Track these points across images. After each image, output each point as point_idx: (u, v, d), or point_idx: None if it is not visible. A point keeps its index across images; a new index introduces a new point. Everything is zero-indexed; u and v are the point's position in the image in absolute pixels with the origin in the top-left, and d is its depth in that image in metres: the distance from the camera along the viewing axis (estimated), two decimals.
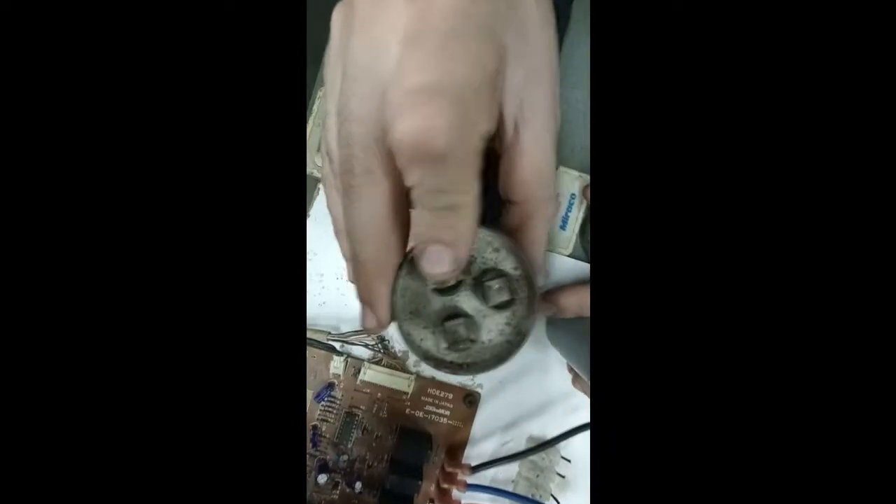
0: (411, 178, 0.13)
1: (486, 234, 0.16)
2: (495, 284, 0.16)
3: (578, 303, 0.21)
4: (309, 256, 0.24)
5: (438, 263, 0.14)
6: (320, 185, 0.24)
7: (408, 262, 0.16)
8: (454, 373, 0.16)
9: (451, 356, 0.16)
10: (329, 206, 0.17)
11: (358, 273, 0.15)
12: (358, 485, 0.23)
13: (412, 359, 0.24)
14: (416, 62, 0.12)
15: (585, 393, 0.24)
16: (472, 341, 0.16)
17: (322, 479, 0.23)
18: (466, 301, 0.16)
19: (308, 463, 0.24)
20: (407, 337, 0.16)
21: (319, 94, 0.22)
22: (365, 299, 0.16)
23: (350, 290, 0.24)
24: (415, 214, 0.14)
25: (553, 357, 0.24)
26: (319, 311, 0.24)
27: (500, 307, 0.16)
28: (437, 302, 0.16)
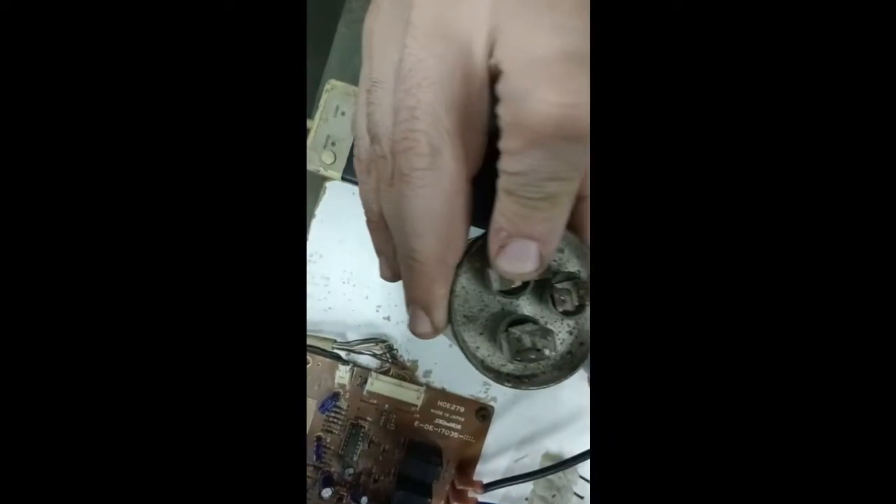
0: (525, 163, 0.11)
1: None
2: (565, 288, 0.14)
3: None
4: (314, 259, 0.23)
5: (523, 261, 0.12)
6: (327, 185, 0.23)
7: (469, 258, 0.14)
8: (515, 386, 0.15)
9: (511, 367, 0.15)
10: (363, 195, 0.15)
11: (413, 271, 0.13)
12: (364, 500, 0.22)
13: (421, 370, 0.23)
14: (550, 23, 0.10)
15: None
16: (540, 350, 0.14)
17: (327, 492, 0.22)
18: (527, 306, 0.15)
19: (312, 475, 0.23)
20: (462, 344, 0.15)
21: (328, 87, 0.21)
22: (420, 301, 0.14)
23: (356, 295, 0.23)
24: (501, 204, 0.12)
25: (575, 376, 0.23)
26: (324, 316, 0.23)
27: (568, 314, 0.14)
28: (496, 305, 0.15)
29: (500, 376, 0.15)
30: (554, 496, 0.23)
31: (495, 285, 0.14)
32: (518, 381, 0.15)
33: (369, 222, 0.16)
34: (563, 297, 0.14)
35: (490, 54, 0.11)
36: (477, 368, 0.15)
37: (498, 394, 0.23)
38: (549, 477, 0.23)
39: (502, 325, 0.14)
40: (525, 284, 0.14)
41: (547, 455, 0.23)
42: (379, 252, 0.16)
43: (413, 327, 0.15)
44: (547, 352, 0.14)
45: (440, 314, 0.14)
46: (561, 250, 0.14)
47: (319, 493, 0.22)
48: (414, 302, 0.14)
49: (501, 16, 0.11)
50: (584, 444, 0.22)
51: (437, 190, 0.12)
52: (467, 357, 0.14)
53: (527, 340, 0.14)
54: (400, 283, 0.15)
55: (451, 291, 0.14)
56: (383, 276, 0.16)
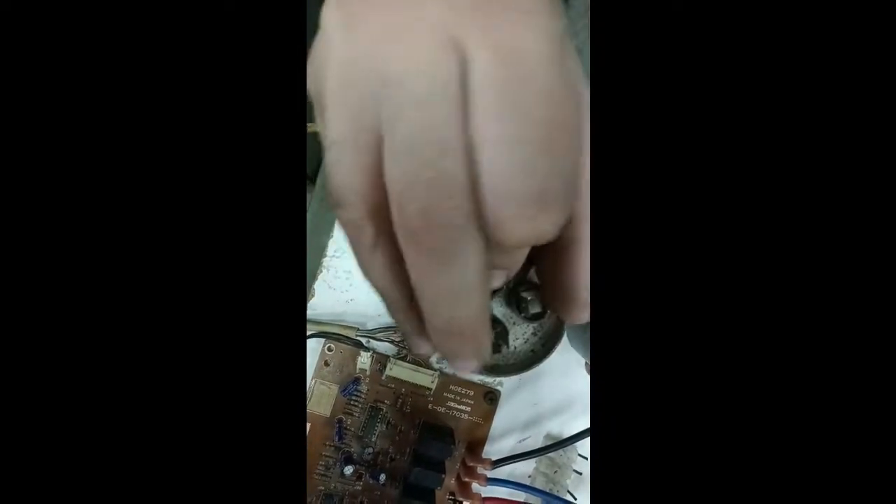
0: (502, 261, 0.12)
1: None
2: (530, 296, 0.16)
3: None
4: (337, 255, 0.25)
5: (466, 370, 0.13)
6: None
7: None
8: (486, 375, 0.17)
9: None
10: (376, 278, 0.12)
11: (460, 340, 0.12)
12: (382, 476, 0.24)
13: (435, 356, 0.25)
14: (519, 161, 0.10)
15: None
16: (499, 346, 0.17)
17: (348, 470, 0.24)
18: (498, 308, 0.17)
19: (333, 455, 0.24)
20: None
21: None
22: (474, 357, 0.13)
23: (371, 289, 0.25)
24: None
25: (573, 359, 0.25)
26: (347, 307, 0.25)
27: (531, 318, 0.17)
28: None
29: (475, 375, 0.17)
30: (555, 472, 0.25)
31: None
32: (489, 371, 0.17)
33: (394, 306, 0.13)
34: (527, 304, 0.16)
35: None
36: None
37: (504, 380, 0.25)
38: (551, 455, 0.25)
39: None
40: (496, 291, 0.17)
41: (548, 436, 0.26)
42: (410, 332, 0.14)
43: (464, 372, 0.15)
44: (504, 349, 0.16)
45: (487, 353, 0.13)
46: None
47: (341, 471, 0.24)
48: (464, 358, 0.13)
49: (497, 146, 0.10)
50: (582, 426, 0.25)
51: (476, 258, 0.11)
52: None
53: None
54: None
55: None
56: (421, 352, 0.14)
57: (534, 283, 0.17)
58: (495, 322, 0.17)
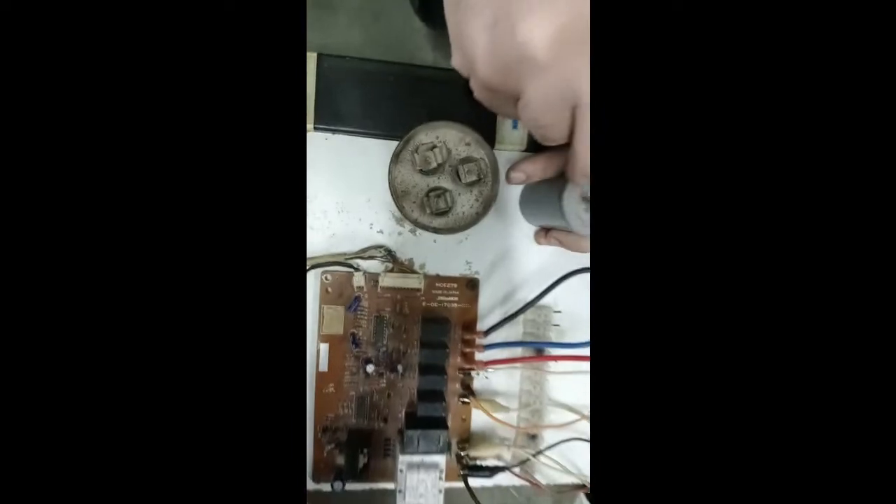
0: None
1: (459, 130, 0.21)
2: (466, 167, 0.20)
3: (542, 167, 0.24)
4: (311, 200, 0.28)
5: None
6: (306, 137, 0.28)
7: (394, 154, 0.20)
8: (438, 233, 0.22)
9: (435, 222, 0.21)
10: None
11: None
12: (399, 368, 0.29)
13: (416, 264, 0.29)
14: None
15: (550, 244, 0.29)
16: (449, 209, 0.21)
17: (370, 368, 0.28)
18: (445, 181, 0.21)
19: (354, 363, 0.29)
20: (402, 209, 0.21)
21: None
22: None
23: (351, 220, 0.29)
24: None
25: (526, 241, 0.30)
26: (331, 241, 0.29)
27: (470, 185, 0.21)
28: (423, 182, 0.21)
29: (427, 228, 0.22)
30: (539, 329, 0.30)
31: (419, 168, 0.21)
32: (440, 230, 0.22)
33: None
34: (464, 174, 0.21)
35: None
36: (413, 224, 0.21)
37: (479, 267, 0.30)
38: (532, 318, 0.30)
39: (425, 195, 0.21)
40: (440, 166, 0.21)
41: (524, 301, 0.31)
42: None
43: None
44: (454, 210, 0.21)
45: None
46: (468, 144, 0.21)
47: (365, 371, 0.29)
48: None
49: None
50: (545, 285, 0.29)
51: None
52: (405, 217, 0.21)
53: (441, 203, 0.21)
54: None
55: (389, 175, 0.21)
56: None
57: (471, 157, 0.21)
58: (446, 191, 0.21)
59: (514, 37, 0.15)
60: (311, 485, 0.29)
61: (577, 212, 0.22)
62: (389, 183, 0.21)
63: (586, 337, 0.29)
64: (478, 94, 0.18)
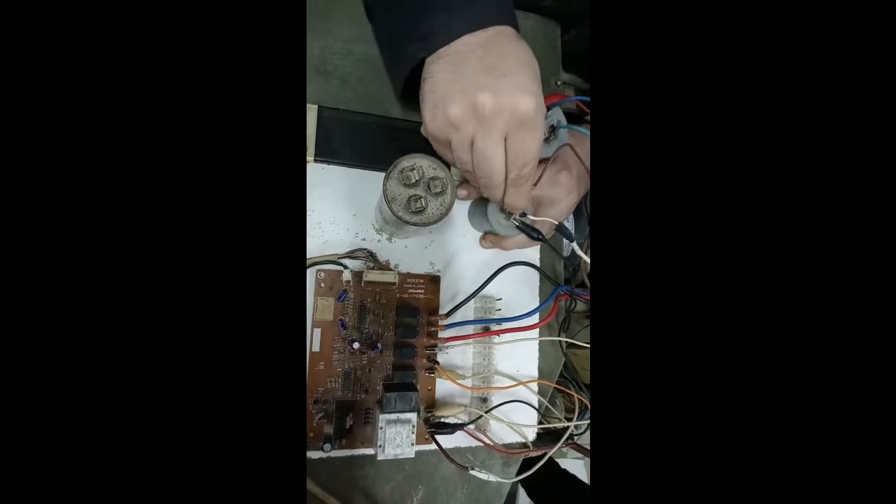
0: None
1: (430, 159, 0.30)
2: (434, 182, 0.30)
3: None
4: (309, 213, 0.36)
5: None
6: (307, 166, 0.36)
7: (387, 174, 0.30)
8: (417, 226, 0.31)
9: (414, 218, 0.31)
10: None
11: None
12: (379, 346, 0.36)
13: (392, 263, 0.38)
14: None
15: (489, 247, 0.40)
16: (423, 209, 0.30)
17: (355, 345, 0.35)
18: (421, 191, 0.31)
19: (342, 345, 0.36)
20: (392, 210, 0.30)
21: None
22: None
23: (341, 230, 0.37)
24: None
25: (473, 245, 0.40)
26: (324, 247, 0.37)
27: (437, 194, 0.30)
28: (406, 192, 0.30)
29: (408, 223, 0.31)
30: (486, 312, 0.39)
31: (403, 182, 0.31)
32: (418, 225, 0.31)
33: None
34: (434, 187, 0.31)
35: None
36: (400, 220, 0.30)
37: (440, 266, 0.39)
38: (478, 305, 0.39)
39: (407, 200, 0.31)
40: (417, 182, 0.31)
41: (472, 291, 0.40)
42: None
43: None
44: (426, 210, 0.31)
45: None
46: (436, 168, 0.31)
47: (350, 348, 0.36)
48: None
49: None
50: (486, 276, 0.39)
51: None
52: (393, 214, 0.30)
53: (418, 205, 0.31)
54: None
55: (384, 188, 0.30)
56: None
57: (437, 176, 0.31)
58: (421, 197, 0.30)
59: (446, 115, 0.27)
60: None
61: (497, 219, 0.34)
62: (384, 192, 0.30)
63: (519, 313, 0.38)
64: (431, 142, 0.30)
